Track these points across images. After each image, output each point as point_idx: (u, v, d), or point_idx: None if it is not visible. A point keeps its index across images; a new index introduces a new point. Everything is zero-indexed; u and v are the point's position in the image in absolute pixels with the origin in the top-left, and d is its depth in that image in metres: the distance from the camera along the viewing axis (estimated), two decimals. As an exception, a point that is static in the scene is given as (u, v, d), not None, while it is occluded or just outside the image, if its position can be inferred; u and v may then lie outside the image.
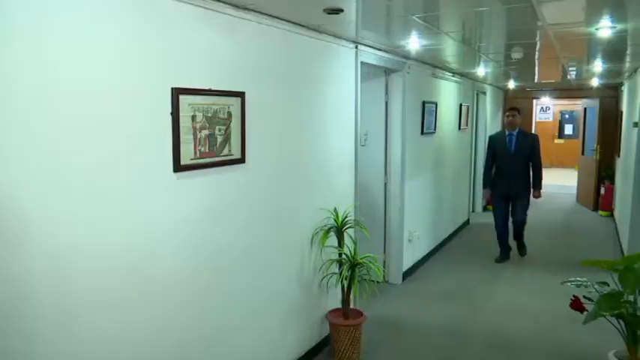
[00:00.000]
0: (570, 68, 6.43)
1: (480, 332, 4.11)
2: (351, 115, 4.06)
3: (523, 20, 3.31)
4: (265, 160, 3.01)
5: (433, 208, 6.33)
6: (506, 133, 5.96)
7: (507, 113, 5.99)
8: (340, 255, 3.61)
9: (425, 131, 5.77)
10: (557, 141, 16.37)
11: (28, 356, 1.80)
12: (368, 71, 4.65)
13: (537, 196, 6.01)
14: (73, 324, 1.94)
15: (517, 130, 5.90)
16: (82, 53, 1.90)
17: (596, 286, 3.13)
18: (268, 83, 3.02)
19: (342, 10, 2.87)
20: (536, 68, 6.62)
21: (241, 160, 2.77)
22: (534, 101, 11.13)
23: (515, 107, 6.13)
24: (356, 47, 4.04)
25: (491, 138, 6.32)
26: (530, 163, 5.91)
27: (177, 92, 2.31)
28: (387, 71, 4.99)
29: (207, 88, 2.50)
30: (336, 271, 3.62)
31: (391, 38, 3.99)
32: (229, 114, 2.65)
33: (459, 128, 7.37)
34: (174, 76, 2.33)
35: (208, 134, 2.52)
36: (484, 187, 6.29)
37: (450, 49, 4.66)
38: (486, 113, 9.00)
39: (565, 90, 10.49)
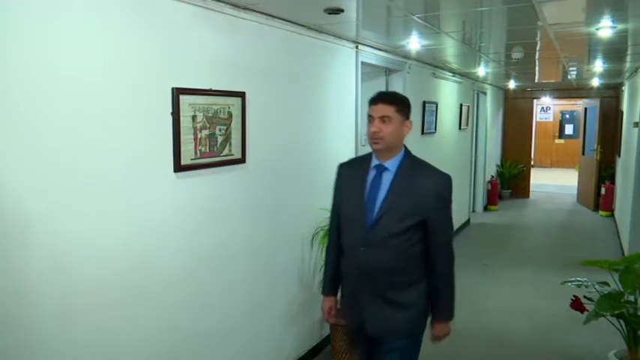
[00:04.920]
0: (570, 68, 6.42)
1: (479, 332, 4.11)
2: (352, 115, 4.06)
3: (523, 20, 3.31)
4: (266, 160, 3.01)
5: (433, 208, 6.30)
6: (372, 163, 2.16)
7: (370, 111, 2.09)
8: (340, 255, 3.58)
9: (425, 131, 5.77)
10: (557, 141, 16.38)
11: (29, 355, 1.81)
12: (368, 71, 4.64)
13: (440, 335, 2.41)
14: (74, 320, 1.94)
15: (398, 156, 2.12)
16: (82, 53, 1.91)
17: (597, 286, 3.13)
18: (269, 83, 3.02)
19: (342, 10, 2.87)
20: (537, 68, 6.61)
21: (242, 160, 2.77)
22: (535, 101, 11.11)
23: (391, 95, 2.17)
24: (356, 47, 4.04)
25: (339, 171, 2.32)
26: (427, 251, 2.13)
27: (177, 92, 2.31)
28: (388, 71, 4.99)
29: (207, 88, 2.50)
30: (337, 271, 3.62)
31: (391, 38, 3.99)
32: (230, 114, 2.65)
33: (460, 128, 7.36)
34: (175, 76, 2.33)
35: (209, 134, 2.52)
36: (322, 291, 2.42)
37: (450, 49, 4.66)
38: (487, 113, 9.00)
39: (565, 90, 10.49)
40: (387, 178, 2.08)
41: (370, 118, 2.06)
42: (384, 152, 2.07)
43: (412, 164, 2.11)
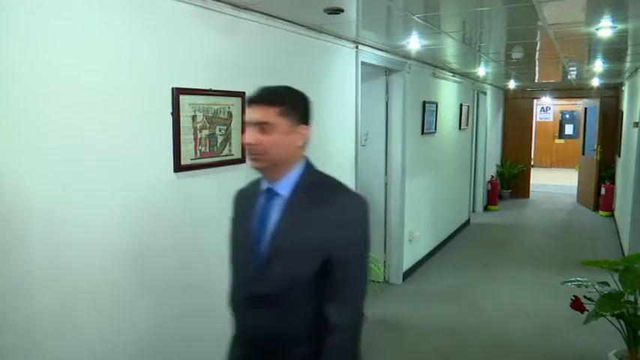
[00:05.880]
0: (570, 68, 6.42)
1: (479, 332, 4.11)
2: (352, 115, 4.06)
3: (523, 20, 3.31)
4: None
5: (433, 208, 6.32)
6: (262, 186, 1.58)
7: (247, 114, 1.51)
8: (340, 255, 3.58)
9: (425, 131, 5.77)
10: (557, 141, 16.38)
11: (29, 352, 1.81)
12: (368, 71, 4.65)
13: None
14: (73, 319, 1.94)
15: (292, 175, 1.53)
16: (82, 53, 1.91)
17: (597, 286, 3.13)
18: (269, 83, 2.98)
19: (342, 10, 2.87)
20: (537, 68, 6.61)
21: (242, 160, 2.77)
22: (535, 101, 11.11)
23: (273, 92, 1.52)
24: (356, 47, 4.04)
25: (234, 199, 1.70)
26: (327, 306, 1.44)
27: (177, 92, 2.31)
28: (388, 71, 4.99)
29: (207, 88, 2.50)
30: (337, 271, 3.61)
31: (391, 38, 3.99)
32: (230, 114, 2.65)
33: (460, 128, 7.37)
34: (175, 76, 2.33)
35: (209, 134, 2.52)
36: None
37: (450, 49, 4.66)
38: (487, 113, 9.00)
39: (565, 90, 10.48)
40: (277, 207, 1.50)
41: (247, 125, 1.48)
42: (270, 172, 1.50)
43: (312, 185, 1.52)
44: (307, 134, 1.52)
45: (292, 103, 1.50)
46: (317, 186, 1.52)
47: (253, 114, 1.46)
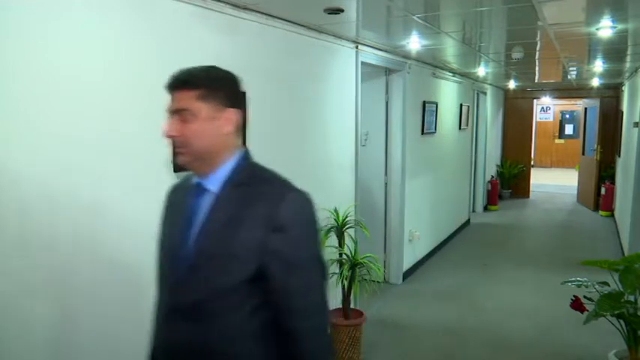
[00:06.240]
0: (570, 68, 6.43)
1: (479, 332, 4.11)
2: (352, 115, 4.06)
3: (523, 20, 3.31)
4: (266, 160, 2.97)
5: (433, 207, 6.32)
6: (192, 181, 1.41)
7: (170, 103, 1.31)
8: (340, 255, 3.61)
9: (425, 131, 5.77)
10: (557, 141, 16.38)
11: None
12: (368, 71, 4.65)
13: None
14: (74, 318, 1.94)
15: (224, 169, 1.34)
16: (82, 53, 1.91)
17: (597, 286, 3.13)
18: (269, 83, 3.02)
19: (342, 10, 2.87)
20: (537, 68, 6.62)
21: (241, 160, 2.77)
22: (535, 101, 11.11)
23: (191, 74, 1.31)
24: (356, 47, 4.04)
25: (166, 196, 1.51)
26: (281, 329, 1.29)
27: (177, 92, 2.31)
28: (388, 71, 4.99)
29: (207, 88, 2.50)
30: (337, 271, 3.62)
31: (391, 38, 3.99)
32: (230, 114, 2.65)
33: (460, 128, 7.37)
34: (175, 76, 2.33)
35: (209, 134, 2.51)
36: None
37: (450, 49, 4.66)
38: (487, 113, 9.00)
39: (565, 90, 10.48)
40: (205, 205, 1.32)
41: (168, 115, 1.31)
42: (198, 166, 1.32)
43: (246, 179, 1.33)
44: (236, 119, 1.33)
45: (214, 84, 1.31)
46: (251, 181, 1.33)
47: (173, 100, 1.29)
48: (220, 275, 1.26)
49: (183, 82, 1.28)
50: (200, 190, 1.34)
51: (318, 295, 1.30)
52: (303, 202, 1.30)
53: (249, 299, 1.26)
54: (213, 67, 1.35)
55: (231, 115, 1.32)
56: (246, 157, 1.38)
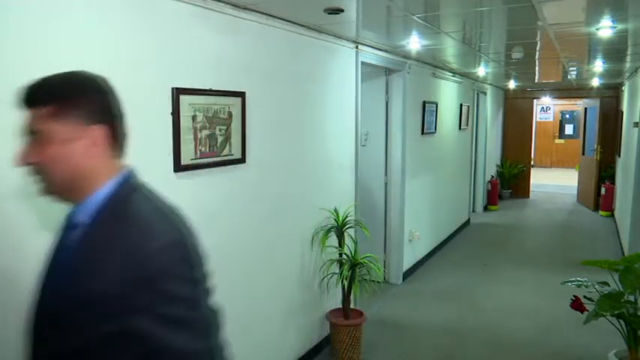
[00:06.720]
0: (570, 68, 6.43)
1: (479, 332, 4.11)
2: (352, 115, 4.06)
3: (523, 20, 3.31)
4: (266, 160, 3.01)
5: (433, 208, 6.32)
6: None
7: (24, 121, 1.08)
8: (340, 255, 3.61)
9: (425, 131, 5.77)
10: (557, 141, 16.39)
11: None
12: (368, 71, 4.65)
13: None
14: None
15: (96, 197, 1.08)
16: (82, 53, 1.91)
17: (597, 286, 3.13)
18: (269, 83, 3.02)
19: (342, 10, 2.87)
20: (537, 68, 6.62)
21: (242, 160, 2.77)
22: (535, 101, 11.11)
23: (38, 89, 1.08)
24: (356, 47, 4.04)
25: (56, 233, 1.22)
26: None
27: (177, 92, 2.31)
28: (388, 71, 4.99)
29: (207, 88, 2.50)
30: (337, 271, 3.63)
31: (391, 38, 3.99)
32: (230, 114, 2.65)
33: (460, 128, 7.37)
34: (175, 76, 2.33)
35: (209, 134, 2.52)
36: None
37: (450, 49, 4.66)
38: (487, 113, 9.00)
39: (565, 90, 10.49)
40: (70, 244, 1.09)
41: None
42: (66, 196, 1.10)
43: (114, 214, 1.06)
44: (103, 137, 1.07)
45: (71, 97, 1.06)
46: (117, 216, 1.04)
47: (26, 120, 1.06)
48: (64, 339, 1.03)
49: (32, 98, 1.05)
50: (69, 223, 1.11)
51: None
52: (165, 249, 1.04)
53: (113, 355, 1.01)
54: (74, 74, 1.10)
55: (97, 132, 1.06)
56: (124, 182, 1.11)
